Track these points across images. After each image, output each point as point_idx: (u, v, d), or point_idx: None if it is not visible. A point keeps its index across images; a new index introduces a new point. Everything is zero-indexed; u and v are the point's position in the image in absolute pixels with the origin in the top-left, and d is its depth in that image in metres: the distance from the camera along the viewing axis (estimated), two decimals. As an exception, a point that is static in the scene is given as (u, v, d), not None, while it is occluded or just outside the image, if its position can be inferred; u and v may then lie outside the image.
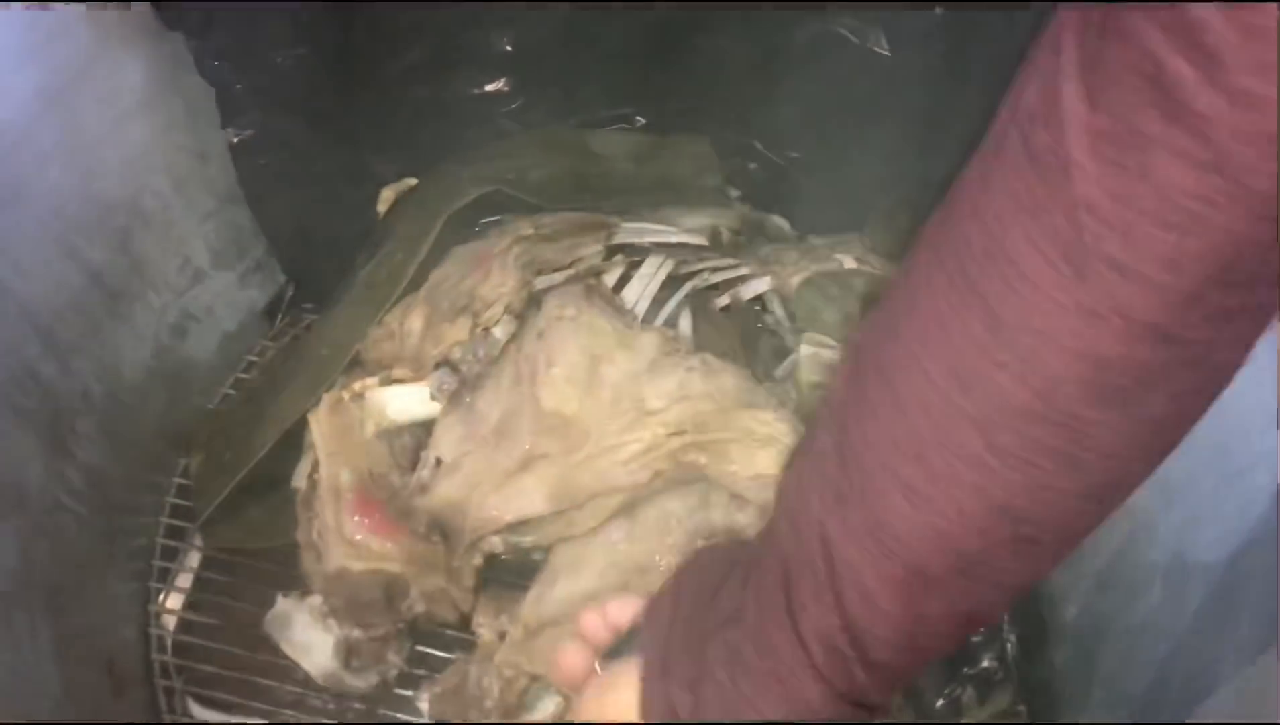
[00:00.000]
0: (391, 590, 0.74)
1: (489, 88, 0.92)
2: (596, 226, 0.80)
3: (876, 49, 0.82)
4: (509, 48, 0.90)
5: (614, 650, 0.49)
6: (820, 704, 0.38)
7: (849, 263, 0.78)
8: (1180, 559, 0.60)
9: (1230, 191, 0.27)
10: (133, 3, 0.75)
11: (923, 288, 0.34)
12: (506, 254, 0.75)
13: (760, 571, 0.40)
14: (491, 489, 0.69)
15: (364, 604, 0.74)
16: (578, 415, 0.68)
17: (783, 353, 0.80)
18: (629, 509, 0.68)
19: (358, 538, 0.74)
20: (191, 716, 0.79)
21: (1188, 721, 0.55)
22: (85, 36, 0.74)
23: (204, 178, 0.87)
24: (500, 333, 0.73)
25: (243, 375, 0.95)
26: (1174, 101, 0.27)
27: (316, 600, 0.75)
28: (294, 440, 0.79)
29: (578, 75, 0.91)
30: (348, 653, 0.74)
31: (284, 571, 0.79)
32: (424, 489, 0.71)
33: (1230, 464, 0.55)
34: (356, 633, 0.74)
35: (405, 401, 0.73)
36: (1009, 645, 0.77)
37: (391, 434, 0.75)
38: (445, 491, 0.70)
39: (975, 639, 0.77)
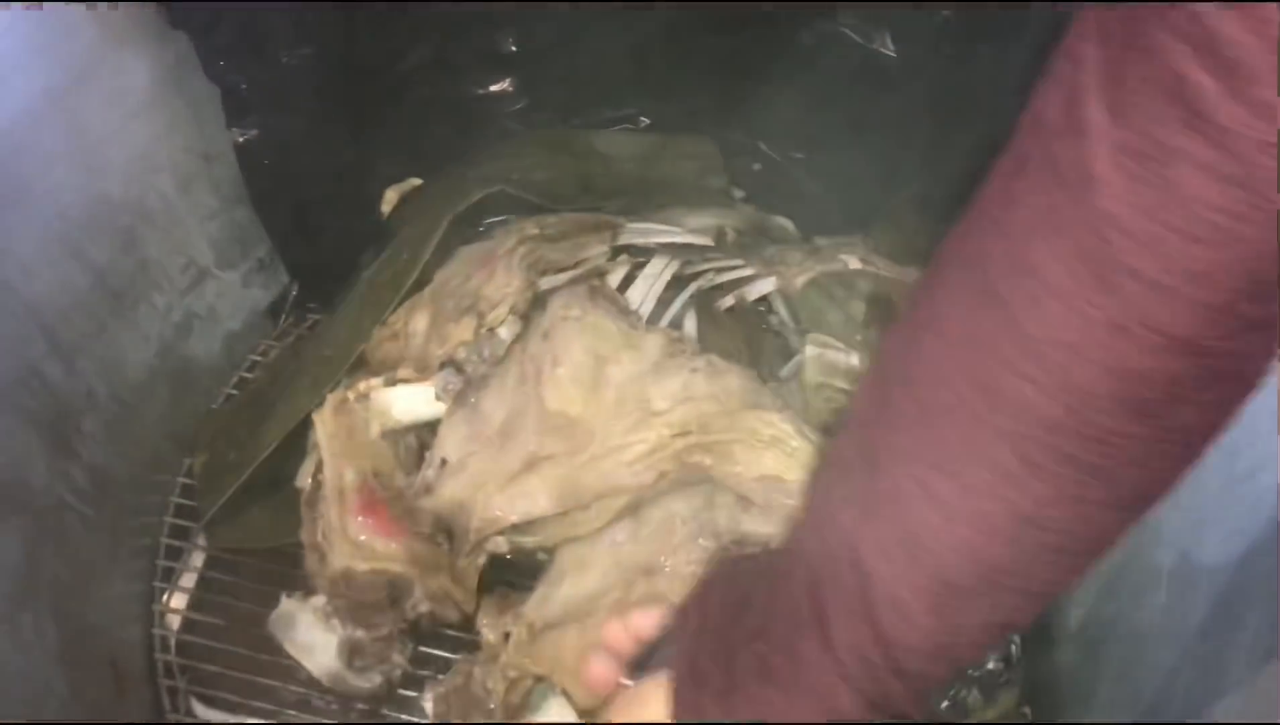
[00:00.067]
0: (395, 591, 0.74)
1: (494, 88, 0.92)
2: (601, 227, 0.80)
3: (882, 50, 0.82)
4: (514, 48, 0.90)
5: (641, 661, 0.49)
6: (852, 714, 0.38)
7: (854, 263, 0.78)
8: (1186, 561, 0.60)
9: (1256, 204, 0.27)
10: (134, 2, 0.75)
11: (946, 302, 0.34)
12: (511, 254, 0.75)
13: (788, 583, 0.40)
14: (496, 489, 0.69)
15: (368, 604, 0.74)
16: (582, 416, 0.68)
17: (787, 353, 0.80)
18: (634, 510, 0.68)
19: (362, 538, 0.73)
20: (195, 716, 0.79)
21: (1193, 722, 0.55)
22: (91, 36, 0.74)
23: (208, 178, 0.87)
24: (505, 333, 0.73)
25: (246, 375, 0.95)
26: (1197, 114, 0.27)
27: (320, 600, 0.75)
28: (298, 440, 0.79)
29: (582, 76, 0.91)
30: (351, 653, 0.74)
31: (288, 571, 0.79)
32: (429, 489, 0.71)
33: (1237, 466, 0.55)
34: (360, 633, 0.74)
35: (410, 402, 0.73)
36: (1014, 647, 0.77)
37: (396, 434, 0.75)
38: (450, 492, 0.70)
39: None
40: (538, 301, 0.75)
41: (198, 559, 0.86)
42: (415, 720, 0.76)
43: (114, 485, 0.80)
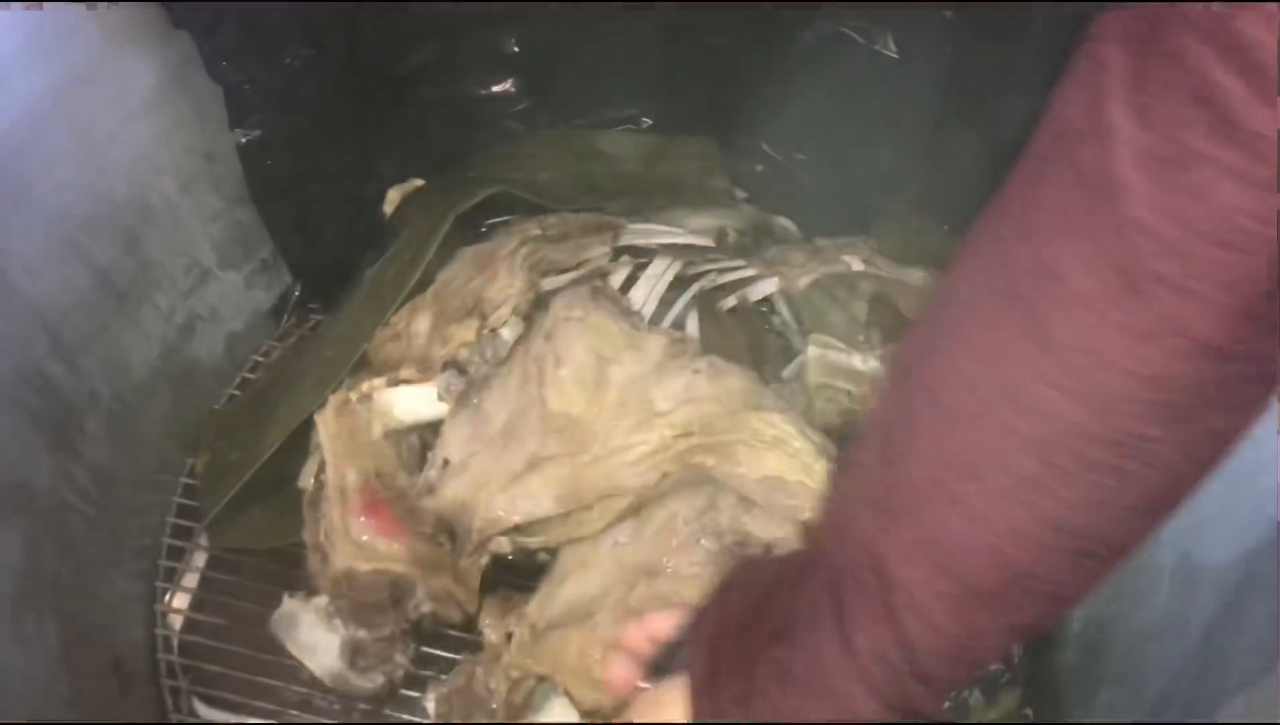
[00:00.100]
0: (398, 591, 0.74)
1: (496, 89, 0.92)
2: (603, 228, 0.80)
3: (884, 51, 0.82)
4: (516, 49, 0.90)
5: (660, 664, 0.49)
6: (872, 716, 0.38)
7: (856, 265, 0.78)
8: (1188, 561, 0.60)
9: None
10: (137, 1, 0.75)
11: (969, 307, 0.34)
12: (514, 255, 0.75)
13: (808, 587, 0.40)
14: (498, 490, 0.69)
15: (370, 604, 0.74)
16: (585, 416, 0.68)
17: (789, 354, 0.80)
18: (636, 510, 0.68)
19: (364, 538, 0.74)
20: (197, 716, 0.79)
21: (1196, 723, 0.55)
22: (95, 36, 0.74)
23: (211, 178, 0.87)
24: (508, 334, 0.73)
25: (249, 375, 0.95)
26: (1223, 118, 0.27)
27: (322, 600, 0.75)
28: (300, 441, 0.79)
29: (585, 77, 0.92)
30: (354, 653, 0.74)
31: (290, 572, 0.79)
32: (431, 490, 0.71)
33: (1239, 466, 0.55)
34: (362, 633, 0.74)
35: (413, 402, 0.73)
36: (1016, 647, 0.77)
37: (399, 435, 0.75)
38: (452, 492, 0.70)
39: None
40: (540, 302, 0.75)
41: (200, 559, 0.86)
42: (418, 720, 0.76)
43: (116, 485, 0.80)
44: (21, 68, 0.69)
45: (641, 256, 0.79)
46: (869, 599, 0.37)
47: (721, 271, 0.80)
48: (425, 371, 0.74)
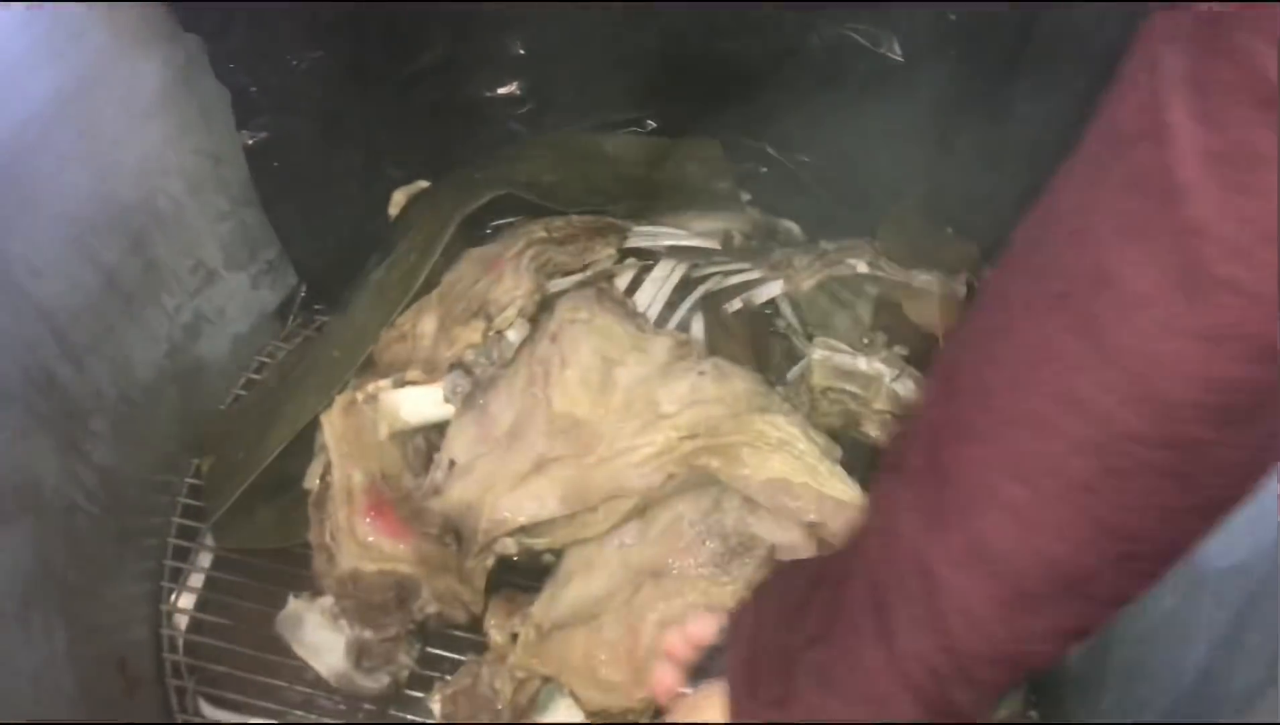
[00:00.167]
0: (403, 591, 0.74)
1: (501, 91, 0.92)
2: (609, 230, 0.80)
3: (890, 55, 0.82)
4: (522, 51, 0.90)
5: (699, 670, 0.50)
6: (916, 722, 0.38)
7: (861, 267, 0.78)
8: (1193, 565, 0.60)
9: None
10: (141, 1, 0.76)
11: (1021, 312, 0.34)
12: (520, 257, 0.75)
13: (849, 591, 0.40)
14: (504, 491, 0.69)
15: (375, 605, 0.74)
16: (590, 418, 0.69)
17: (794, 357, 0.80)
18: (641, 512, 0.68)
19: (370, 539, 0.74)
20: (203, 716, 0.79)
21: (1200, 723, 0.55)
22: (103, 38, 0.74)
23: (218, 179, 0.88)
24: (514, 336, 0.73)
25: (254, 376, 0.95)
26: None
27: (328, 601, 0.75)
28: (306, 442, 0.79)
29: (590, 79, 0.92)
30: (359, 653, 0.74)
31: (295, 572, 0.79)
32: (437, 491, 0.72)
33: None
34: (368, 634, 0.74)
35: (419, 403, 0.73)
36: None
37: (404, 436, 0.75)
38: (458, 493, 0.70)
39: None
40: (545, 304, 0.75)
41: (205, 559, 0.86)
42: (422, 721, 0.76)
43: (123, 486, 0.80)
44: (31, 69, 0.69)
45: (647, 259, 0.79)
46: (914, 603, 0.36)
47: (726, 274, 0.80)
48: (431, 373, 0.74)
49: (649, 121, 0.95)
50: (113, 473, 0.79)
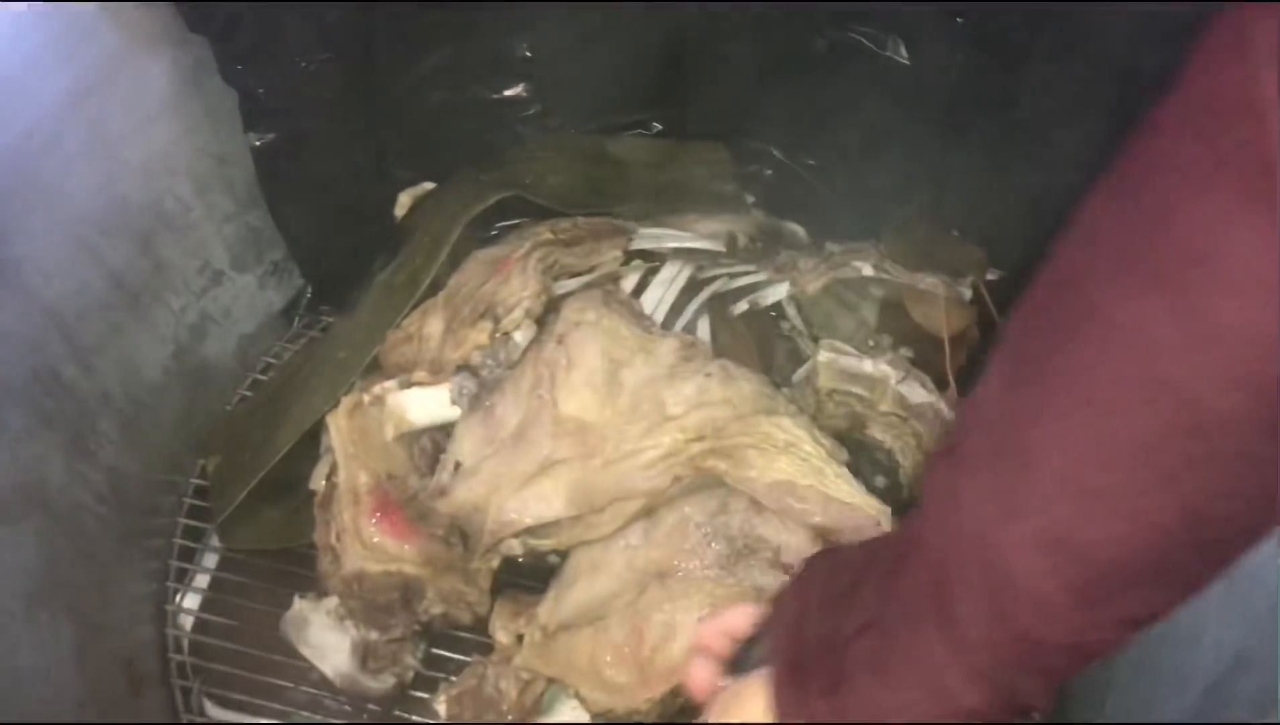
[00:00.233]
0: (408, 592, 0.74)
1: (507, 93, 0.92)
2: (615, 232, 0.80)
3: (895, 57, 0.82)
4: (528, 53, 0.90)
5: (738, 661, 0.48)
6: (980, 711, 0.37)
7: (866, 270, 0.78)
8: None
9: None
10: (145, 1, 0.76)
11: (1104, 293, 0.33)
12: (526, 259, 0.75)
13: (905, 577, 0.39)
14: (510, 492, 0.69)
15: (381, 606, 0.74)
16: (597, 420, 0.69)
17: (798, 359, 0.80)
18: (647, 513, 0.68)
19: (375, 540, 0.74)
20: (208, 716, 0.79)
21: (1203, 723, 0.55)
22: (111, 40, 0.74)
23: (225, 181, 0.88)
24: (520, 337, 0.73)
25: (260, 377, 0.95)
26: None
27: (333, 602, 0.75)
28: (311, 443, 0.79)
29: (596, 81, 0.92)
30: (364, 654, 0.75)
31: (300, 573, 0.80)
32: (443, 492, 0.72)
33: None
34: (373, 634, 0.74)
35: (426, 404, 0.73)
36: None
37: (411, 437, 0.75)
38: (464, 495, 0.70)
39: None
40: (552, 306, 0.75)
41: (210, 560, 0.86)
42: (427, 722, 0.76)
43: (129, 486, 0.80)
44: (41, 71, 0.70)
45: (653, 261, 0.80)
46: (980, 592, 0.35)
47: (732, 276, 0.80)
48: (437, 374, 0.75)
49: (654, 124, 0.95)
50: (119, 473, 0.79)
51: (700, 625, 0.50)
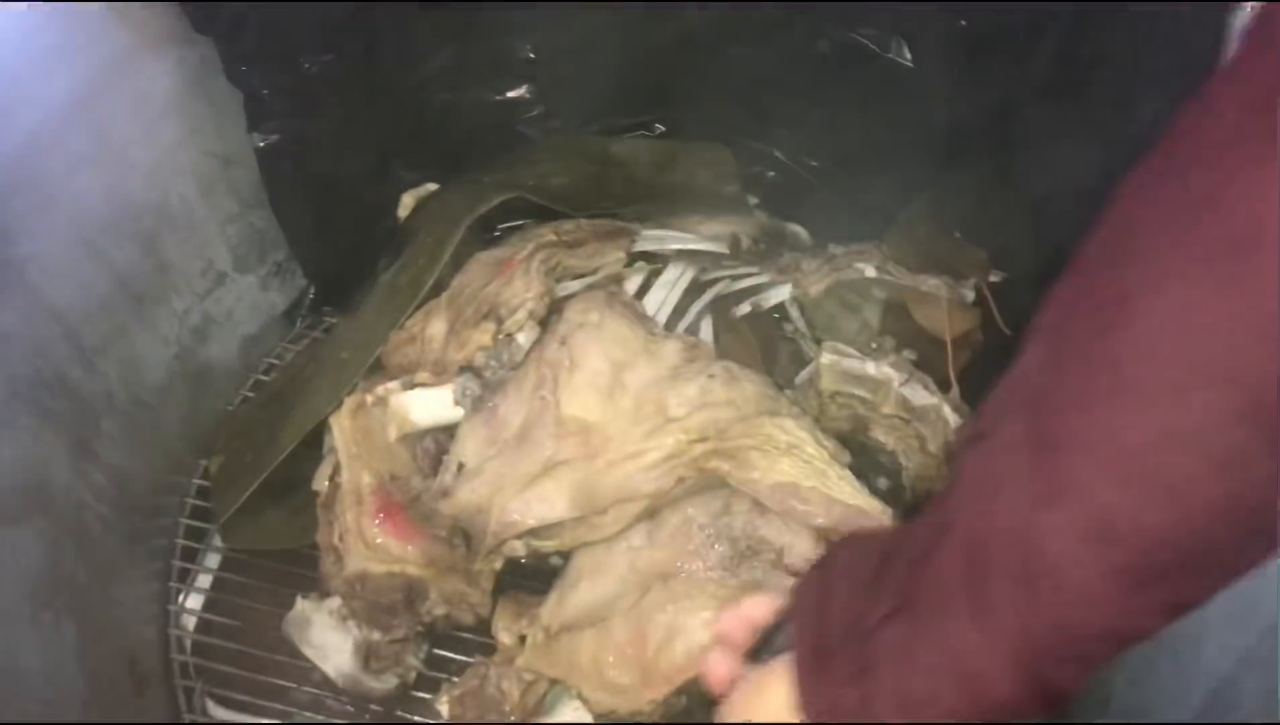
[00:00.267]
0: (411, 593, 0.74)
1: (511, 94, 0.92)
2: (618, 234, 0.80)
3: (898, 59, 0.82)
4: (531, 55, 0.91)
5: (759, 649, 0.47)
6: (1011, 700, 0.36)
7: (869, 272, 0.78)
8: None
9: None
10: (148, 1, 0.76)
11: (1152, 273, 0.32)
12: (529, 260, 0.75)
13: (935, 564, 0.38)
14: (513, 493, 0.69)
15: (383, 606, 0.74)
16: (600, 421, 0.69)
17: (801, 361, 0.80)
18: (650, 515, 0.68)
19: (378, 540, 0.74)
20: (210, 717, 0.79)
21: (1207, 723, 0.55)
22: (117, 41, 0.75)
23: (228, 181, 0.88)
24: (523, 339, 0.73)
25: (263, 377, 0.95)
26: None
27: (336, 602, 0.75)
28: (314, 443, 0.79)
29: (599, 83, 0.92)
30: (366, 655, 0.75)
31: (303, 573, 0.80)
32: (446, 493, 0.72)
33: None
34: (376, 635, 0.74)
35: (429, 405, 0.74)
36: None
37: (413, 438, 0.76)
38: (467, 496, 0.71)
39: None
40: (555, 307, 0.75)
41: (213, 560, 0.86)
42: (430, 722, 0.76)
43: (132, 486, 0.81)
44: (46, 72, 0.70)
45: (656, 263, 0.80)
46: (1018, 579, 0.35)
47: (735, 278, 0.81)
48: (440, 375, 0.75)
49: (657, 125, 0.95)
50: (122, 473, 0.79)
51: (720, 615, 0.49)
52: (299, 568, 0.81)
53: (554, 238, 0.79)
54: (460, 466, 0.72)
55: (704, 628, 0.64)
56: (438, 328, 0.77)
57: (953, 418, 0.71)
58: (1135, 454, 0.32)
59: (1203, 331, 0.31)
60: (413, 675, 0.76)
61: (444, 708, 0.72)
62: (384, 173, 0.92)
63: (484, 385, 0.73)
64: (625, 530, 0.68)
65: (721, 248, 0.83)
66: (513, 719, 0.70)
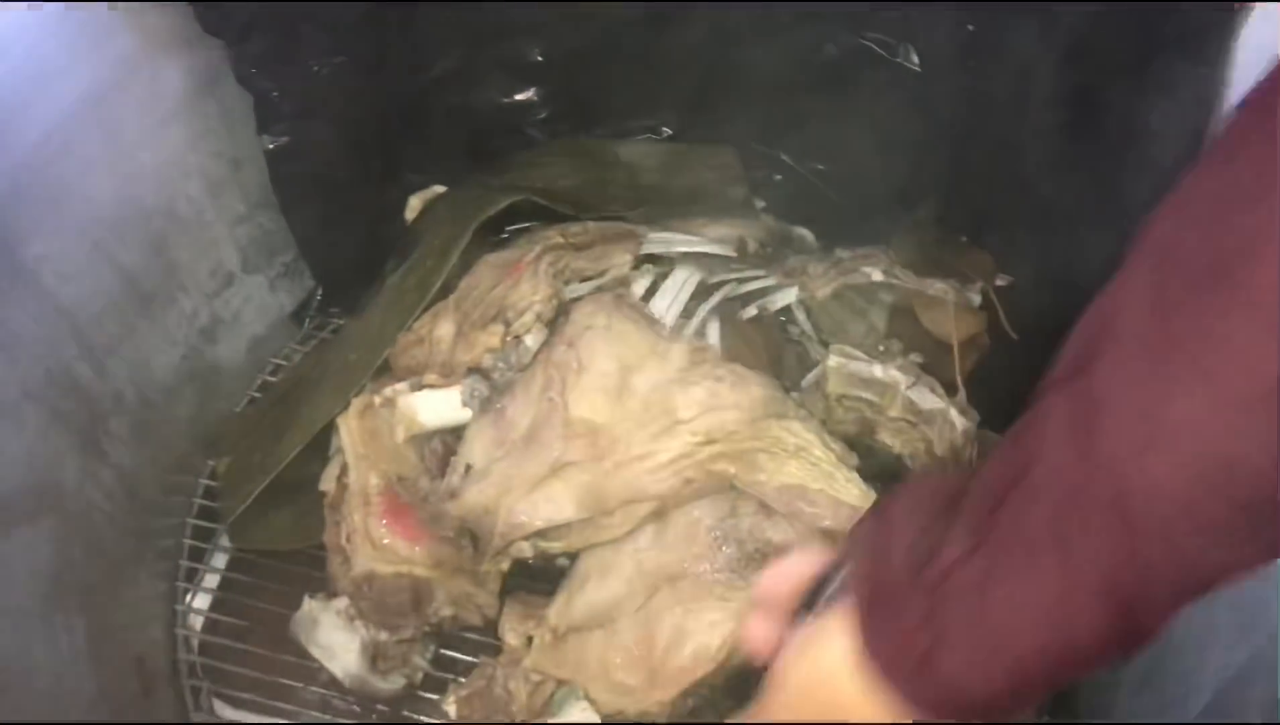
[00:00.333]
0: (418, 594, 0.75)
1: (518, 97, 0.92)
2: (626, 236, 0.81)
3: (905, 63, 0.82)
4: (539, 58, 0.91)
5: (809, 601, 0.43)
6: (1090, 640, 0.35)
7: (876, 275, 0.79)
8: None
9: None
10: (150, 1, 0.76)
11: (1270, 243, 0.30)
12: (537, 263, 0.76)
13: (1015, 506, 0.36)
14: (520, 495, 0.69)
15: (390, 607, 0.74)
16: (607, 423, 0.69)
17: (808, 364, 0.80)
18: (658, 516, 0.68)
19: (385, 541, 0.74)
20: (218, 716, 0.79)
21: (1213, 722, 0.55)
22: (127, 43, 0.75)
23: (237, 183, 0.88)
24: (531, 341, 0.73)
25: (270, 378, 0.96)
26: None
27: (343, 603, 0.75)
28: (321, 444, 0.80)
29: (606, 86, 0.92)
30: (374, 655, 0.75)
31: (310, 573, 0.80)
32: (454, 494, 0.72)
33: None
34: (383, 635, 0.75)
35: (438, 407, 0.74)
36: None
37: (421, 439, 0.76)
38: (475, 497, 0.71)
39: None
40: (562, 310, 0.75)
41: (220, 560, 0.86)
42: (437, 723, 0.76)
43: (141, 486, 0.81)
44: (57, 74, 0.70)
45: (663, 265, 0.80)
46: (1116, 519, 0.33)
47: (742, 281, 0.81)
48: (448, 377, 0.75)
49: (664, 128, 0.95)
50: (131, 473, 0.80)
51: (760, 577, 0.46)
52: (307, 568, 0.81)
53: (561, 240, 0.79)
54: (468, 468, 0.73)
55: (711, 629, 0.64)
56: (445, 329, 0.78)
57: (959, 421, 0.71)
58: (1254, 397, 0.31)
59: None
60: (419, 676, 0.77)
61: (451, 708, 0.72)
62: (392, 175, 0.92)
63: (492, 387, 0.73)
64: (632, 532, 0.68)
65: (728, 251, 0.83)
66: (520, 719, 0.70)
